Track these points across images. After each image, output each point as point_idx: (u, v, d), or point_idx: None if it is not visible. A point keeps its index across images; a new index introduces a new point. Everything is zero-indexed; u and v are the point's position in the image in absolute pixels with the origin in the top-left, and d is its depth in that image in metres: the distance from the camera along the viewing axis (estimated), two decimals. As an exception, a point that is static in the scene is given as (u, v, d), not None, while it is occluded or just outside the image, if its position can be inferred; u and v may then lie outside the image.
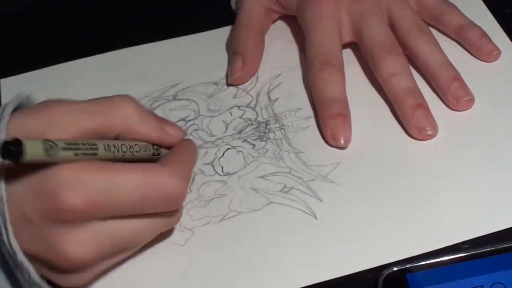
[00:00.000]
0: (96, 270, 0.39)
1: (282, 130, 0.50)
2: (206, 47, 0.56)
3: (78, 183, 0.36)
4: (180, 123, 0.51)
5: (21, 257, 0.36)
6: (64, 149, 0.35)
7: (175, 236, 0.44)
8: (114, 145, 0.39)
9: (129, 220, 0.38)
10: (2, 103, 0.49)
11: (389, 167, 0.46)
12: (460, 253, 0.40)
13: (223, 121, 0.51)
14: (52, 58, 0.57)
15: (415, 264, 0.40)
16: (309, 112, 0.51)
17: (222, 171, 0.48)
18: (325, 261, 0.42)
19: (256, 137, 0.50)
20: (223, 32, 0.57)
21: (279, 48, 0.55)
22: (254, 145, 0.49)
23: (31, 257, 0.37)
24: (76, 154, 0.36)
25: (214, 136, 0.50)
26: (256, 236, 0.44)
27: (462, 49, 0.52)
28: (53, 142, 0.34)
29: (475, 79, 0.50)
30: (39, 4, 0.60)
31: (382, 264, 0.41)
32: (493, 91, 0.50)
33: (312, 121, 0.50)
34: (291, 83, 0.53)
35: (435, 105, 0.49)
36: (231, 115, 0.52)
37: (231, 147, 0.49)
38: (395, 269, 0.39)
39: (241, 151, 0.49)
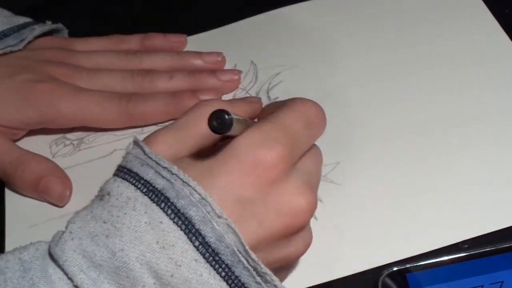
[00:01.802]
0: None
1: (282, 130, 0.50)
2: (204, 48, 0.56)
3: (267, 139, 0.35)
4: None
5: (265, 268, 0.34)
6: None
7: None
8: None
9: (306, 157, 0.39)
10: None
11: (388, 167, 0.46)
12: (460, 253, 0.40)
13: (222, 121, 0.51)
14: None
15: (415, 264, 0.40)
16: (309, 111, 0.50)
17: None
18: (325, 261, 0.42)
19: (255, 137, 0.50)
20: (222, 33, 0.57)
21: (278, 47, 0.55)
22: (253, 144, 0.49)
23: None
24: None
25: (213, 135, 0.50)
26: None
27: (461, 50, 0.52)
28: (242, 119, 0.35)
29: (475, 80, 0.50)
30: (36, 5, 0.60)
31: (382, 264, 0.41)
32: (493, 91, 0.50)
33: (312, 121, 0.50)
34: (290, 82, 0.53)
35: (435, 105, 0.49)
36: (231, 115, 0.51)
37: (231, 146, 0.49)
38: (395, 269, 0.39)
39: (240, 150, 0.49)
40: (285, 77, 0.53)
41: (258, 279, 0.34)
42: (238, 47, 0.56)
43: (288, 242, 0.37)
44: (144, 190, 0.34)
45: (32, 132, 0.51)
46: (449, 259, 0.40)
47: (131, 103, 0.49)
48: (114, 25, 0.59)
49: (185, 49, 0.56)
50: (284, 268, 0.39)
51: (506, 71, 0.51)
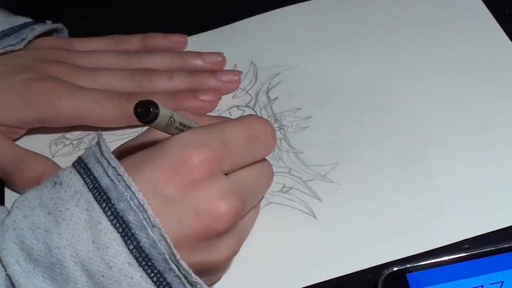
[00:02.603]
0: (237, 231, 0.39)
1: (282, 130, 0.50)
2: (204, 48, 0.56)
3: (198, 141, 0.36)
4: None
5: (196, 277, 0.35)
6: (177, 128, 0.37)
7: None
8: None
9: (246, 169, 0.39)
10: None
11: (388, 166, 0.46)
12: (460, 253, 0.40)
13: (222, 121, 0.51)
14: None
15: (415, 264, 0.39)
16: (309, 112, 0.50)
17: (221, 170, 0.48)
18: (325, 261, 0.42)
19: (255, 137, 0.50)
20: (222, 33, 0.57)
21: (278, 47, 0.55)
22: (253, 145, 0.49)
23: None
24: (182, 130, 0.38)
25: (213, 136, 0.50)
26: (255, 236, 0.43)
27: (461, 50, 0.52)
28: (174, 118, 0.36)
29: (475, 80, 0.50)
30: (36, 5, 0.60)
31: (381, 263, 0.41)
32: (493, 91, 0.50)
33: (311, 121, 0.50)
34: (290, 82, 0.53)
35: (435, 105, 0.49)
36: (230, 115, 0.51)
37: (230, 146, 0.49)
38: (395, 269, 0.39)
39: (240, 150, 0.49)
40: (285, 77, 0.53)
41: (189, 287, 0.35)
42: (238, 47, 0.56)
43: (209, 247, 0.37)
44: (91, 186, 0.35)
45: (31, 132, 0.51)
46: (449, 259, 0.40)
47: (130, 102, 0.49)
48: (114, 25, 0.59)
49: (186, 49, 0.57)
50: (208, 273, 0.39)
51: (506, 71, 0.51)
